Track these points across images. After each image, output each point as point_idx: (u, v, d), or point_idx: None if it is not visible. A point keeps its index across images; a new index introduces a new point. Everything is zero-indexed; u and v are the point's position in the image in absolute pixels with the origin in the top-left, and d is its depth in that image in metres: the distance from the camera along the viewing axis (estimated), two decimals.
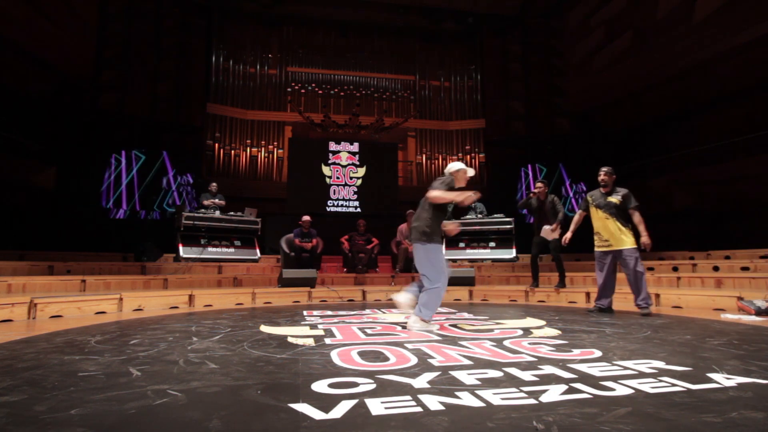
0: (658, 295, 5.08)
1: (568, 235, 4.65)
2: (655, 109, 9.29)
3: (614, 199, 4.40)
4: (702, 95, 8.27)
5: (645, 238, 4.20)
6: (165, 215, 9.51)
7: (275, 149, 11.72)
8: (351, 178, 10.58)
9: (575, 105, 11.20)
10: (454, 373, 1.95)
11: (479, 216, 8.45)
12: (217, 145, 11.19)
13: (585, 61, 10.75)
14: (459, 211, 8.96)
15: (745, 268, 5.77)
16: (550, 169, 11.07)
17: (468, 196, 3.40)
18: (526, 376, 1.90)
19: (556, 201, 5.80)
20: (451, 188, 3.49)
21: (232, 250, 7.69)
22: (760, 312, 3.95)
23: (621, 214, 4.36)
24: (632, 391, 1.67)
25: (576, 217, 4.71)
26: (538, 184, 5.86)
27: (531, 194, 5.93)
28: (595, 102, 10.63)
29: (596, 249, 4.53)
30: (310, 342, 2.81)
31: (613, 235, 4.36)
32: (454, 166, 3.68)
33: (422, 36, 12.82)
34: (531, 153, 11.46)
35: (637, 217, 4.33)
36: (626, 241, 4.30)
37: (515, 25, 12.17)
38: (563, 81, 11.55)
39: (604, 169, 4.52)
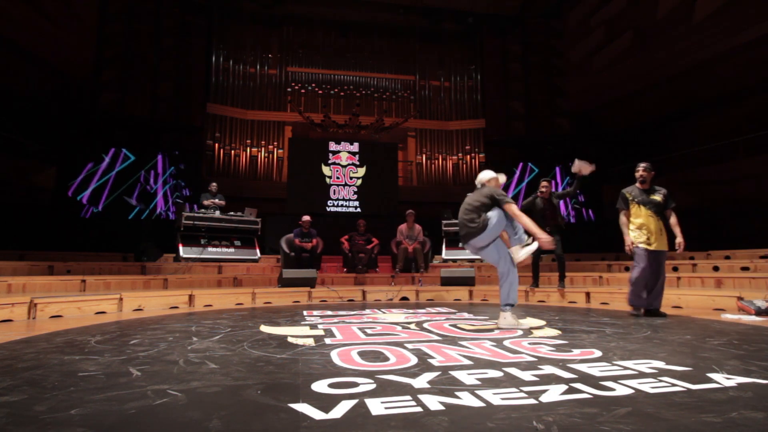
0: None
1: (630, 240, 4.21)
2: (655, 109, 9.29)
3: (657, 197, 4.17)
4: (702, 95, 8.28)
5: (681, 239, 4.06)
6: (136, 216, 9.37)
7: (275, 149, 11.72)
8: (351, 178, 10.57)
9: (575, 105, 11.20)
10: (454, 373, 1.95)
11: None
12: (217, 145, 11.19)
13: (585, 61, 10.76)
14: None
15: (745, 268, 5.77)
16: (544, 169, 11.03)
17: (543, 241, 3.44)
18: (526, 376, 1.90)
19: (560, 192, 5.86)
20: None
21: (232, 250, 7.70)
22: (760, 312, 3.95)
23: (662, 213, 4.15)
24: (632, 391, 1.67)
25: (623, 219, 4.32)
26: (544, 183, 5.79)
27: (536, 195, 5.84)
28: (595, 102, 10.63)
29: (641, 245, 4.10)
30: (310, 342, 2.81)
31: (656, 234, 4.10)
32: (488, 174, 3.66)
33: (422, 36, 12.82)
34: (531, 153, 11.46)
35: (674, 218, 4.16)
36: (665, 243, 4.12)
37: (515, 25, 12.18)
38: (563, 81, 11.56)
39: (643, 164, 4.30)
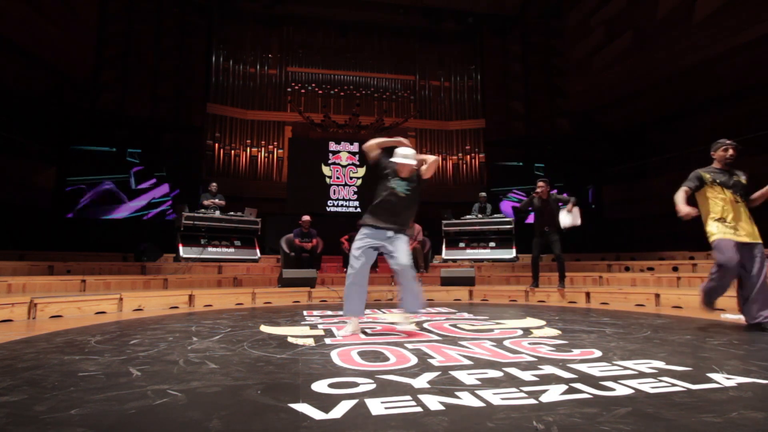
0: (658, 295, 5.08)
1: (686, 209, 3.32)
2: (655, 109, 9.29)
3: (742, 178, 3.43)
4: (702, 95, 8.27)
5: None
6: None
7: (275, 149, 11.72)
8: (351, 178, 10.58)
9: (575, 105, 11.20)
10: (454, 373, 1.95)
11: (480, 216, 8.46)
12: (217, 145, 11.19)
13: (585, 61, 10.75)
14: (459, 210, 8.98)
15: None
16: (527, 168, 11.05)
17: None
18: (526, 376, 1.90)
19: (560, 197, 5.83)
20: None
21: (232, 250, 7.69)
22: None
23: (746, 198, 3.40)
24: (632, 391, 1.67)
25: (682, 195, 3.44)
26: (540, 183, 5.82)
27: (533, 195, 5.88)
28: (595, 102, 10.62)
29: (728, 237, 3.25)
30: (310, 342, 2.81)
31: (745, 222, 3.32)
32: (410, 151, 3.36)
33: (422, 36, 12.82)
34: (531, 153, 11.46)
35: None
36: (757, 234, 3.32)
37: (515, 25, 12.17)
38: (563, 81, 11.55)
39: (730, 142, 3.51)
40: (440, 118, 12.68)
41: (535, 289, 5.97)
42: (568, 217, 5.38)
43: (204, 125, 10.99)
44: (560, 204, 5.70)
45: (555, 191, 5.90)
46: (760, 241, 3.31)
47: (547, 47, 11.90)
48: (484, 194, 8.87)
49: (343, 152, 10.58)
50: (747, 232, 3.30)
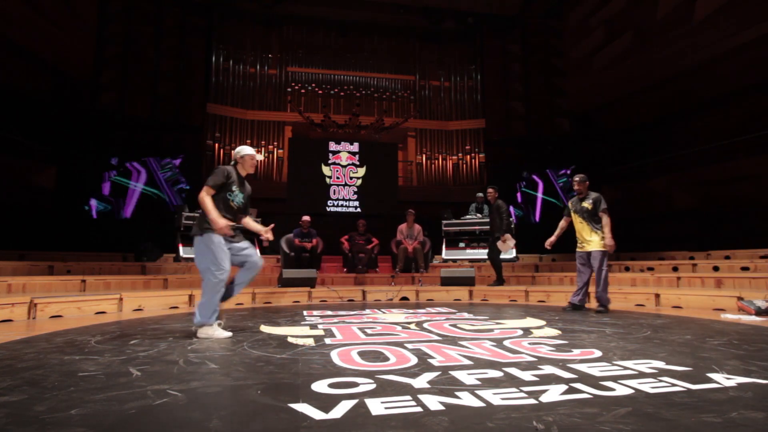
0: (658, 295, 5.08)
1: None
2: (655, 109, 9.28)
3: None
4: (702, 95, 8.27)
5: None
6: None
7: (275, 149, 11.71)
8: (351, 178, 10.57)
9: (575, 105, 11.19)
10: (454, 373, 1.95)
11: (479, 216, 8.45)
12: (217, 145, 11.19)
13: (585, 61, 10.75)
14: (459, 210, 8.98)
15: (745, 268, 5.77)
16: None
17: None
18: (526, 376, 1.90)
19: (502, 206, 6.00)
20: (229, 178, 3.31)
21: None
22: (760, 312, 3.95)
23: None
24: (632, 391, 1.67)
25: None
26: (490, 190, 6.27)
27: (478, 197, 6.22)
28: (595, 102, 10.62)
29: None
30: (310, 342, 2.81)
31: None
32: (246, 150, 3.48)
33: (422, 36, 12.81)
34: (531, 153, 11.46)
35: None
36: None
37: (515, 25, 12.17)
38: (563, 81, 11.54)
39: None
40: (440, 118, 12.68)
41: (503, 287, 6.10)
42: (502, 246, 6.04)
43: (204, 125, 10.99)
44: (501, 213, 5.94)
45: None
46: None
47: (547, 47, 11.90)
48: (481, 194, 8.82)
49: (343, 152, 10.57)
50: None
